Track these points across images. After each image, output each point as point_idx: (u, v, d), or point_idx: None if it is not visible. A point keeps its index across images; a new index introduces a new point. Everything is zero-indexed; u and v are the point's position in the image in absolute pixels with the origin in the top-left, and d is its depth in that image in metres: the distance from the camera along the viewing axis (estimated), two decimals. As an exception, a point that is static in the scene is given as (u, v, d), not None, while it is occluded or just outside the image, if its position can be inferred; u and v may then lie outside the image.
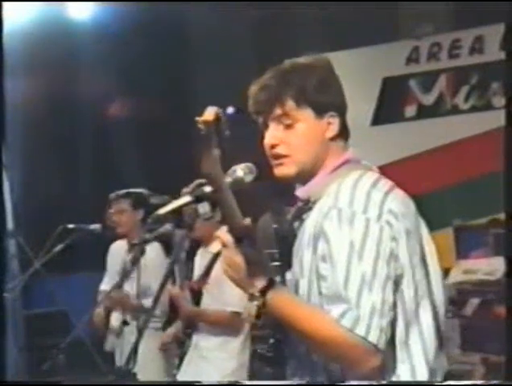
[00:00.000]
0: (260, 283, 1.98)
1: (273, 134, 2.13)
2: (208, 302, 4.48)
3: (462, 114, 7.43)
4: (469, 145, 7.19)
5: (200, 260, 4.56)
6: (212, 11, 7.67)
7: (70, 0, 7.48)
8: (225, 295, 4.31)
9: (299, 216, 2.15)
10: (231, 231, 1.99)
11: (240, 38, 8.33)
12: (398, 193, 2.07)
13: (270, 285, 1.98)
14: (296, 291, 2.07)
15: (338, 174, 2.10)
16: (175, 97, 8.62)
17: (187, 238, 4.48)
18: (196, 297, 4.51)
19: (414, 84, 7.76)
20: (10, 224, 7.99)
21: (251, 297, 1.99)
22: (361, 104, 6.95)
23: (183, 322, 4.66)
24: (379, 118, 7.54)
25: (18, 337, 7.27)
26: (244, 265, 1.99)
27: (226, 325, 4.39)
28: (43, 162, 8.50)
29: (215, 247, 4.46)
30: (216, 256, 4.45)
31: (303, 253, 2.06)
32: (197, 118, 1.86)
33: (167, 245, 5.13)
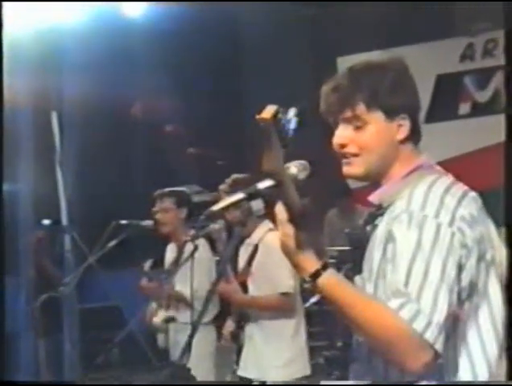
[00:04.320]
0: (312, 266, 1.95)
1: (343, 134, 2.12)
2: (255, 292, 4.52)
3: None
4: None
5: (244, 253, 4.60)
6: (264, 10, 7.68)
7: (79, 0, 7.49)
8: (273, 279, 4.35)
9: (372, 222, 2.13)
10: (289, 210, 1.96)
11: (293, 36, 8.32)
12: (472, 198, 2.04)
13: (323, 269, 1.95)
14: None
15: (411, 180, 2.07)
16: (226, 97, 8.65)
17: (240, 234, 4.52)
18: (242, 289, 4.55)
19: (469, 81, 7.69)
20: (64, 220, 8.10)
21: (303, 281, 1.98)
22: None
23: (235, 315, 4.69)
24: (433, 116, 7.48)
25: (72, 331, 7.37)
26: (298, 245, 1.96)
27: (278, 307, 4.41)
28: (97, 160, 8.60)
29: (255, 238, 4.53)
30: (256, 246, 4.49)
31: (373, 257, 2.05)
32: (257, 116, 1.86)
33: (212, 241, 5.16)
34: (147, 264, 5.40)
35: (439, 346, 1.87)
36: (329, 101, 2.13)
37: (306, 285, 1.97)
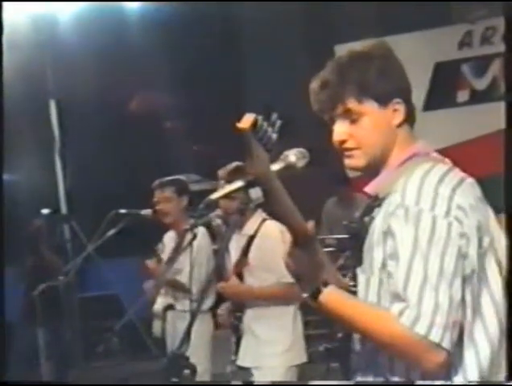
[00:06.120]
0: (312, 287, 1.99)
1: (340, 130, 2.11)
2: (253, 283, 4.49)
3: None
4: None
5: (236, 244, 4.56)
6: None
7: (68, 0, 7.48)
8: (275, 269, 4.27)
9: (369, 213, 2.11)
10: (292, 231, 1.98)
11: (291, 24, 8.31)
12: (469, 184, 2.02)
13: (323, 285, 1.98)
14: (367, 289, 2.06)
15: (406, 169, 2.06)
16: (223, 87, 8.64)
17: (238, 224, 4.51)
18: (238, 280, 4.51)
19: (467, 68, 7.68)
20: (63, 210, 8.12)
21: (304, 301, 2.00)
22: (412, 89, 6.90)
23: (233, 306, 4.67)
24: (431, 103, 7.47)
25: (72, 320, 7.40)
26: (300, 268, 2.01)
27: (283, 296, 4.35)
28: (96, 149, 8.61)
29: (249, 228, 4.48)
30: (251, 237, 4.48)
31: (373, 251, 2.04)
32: (237, 124, 1.84)
33: (211, 230, 5.16)
34: (162, 245, 5.37)
35: (447, 344, 1.87)
36: (320, 100, 2.11)
37: (308, 303, 1.99)
